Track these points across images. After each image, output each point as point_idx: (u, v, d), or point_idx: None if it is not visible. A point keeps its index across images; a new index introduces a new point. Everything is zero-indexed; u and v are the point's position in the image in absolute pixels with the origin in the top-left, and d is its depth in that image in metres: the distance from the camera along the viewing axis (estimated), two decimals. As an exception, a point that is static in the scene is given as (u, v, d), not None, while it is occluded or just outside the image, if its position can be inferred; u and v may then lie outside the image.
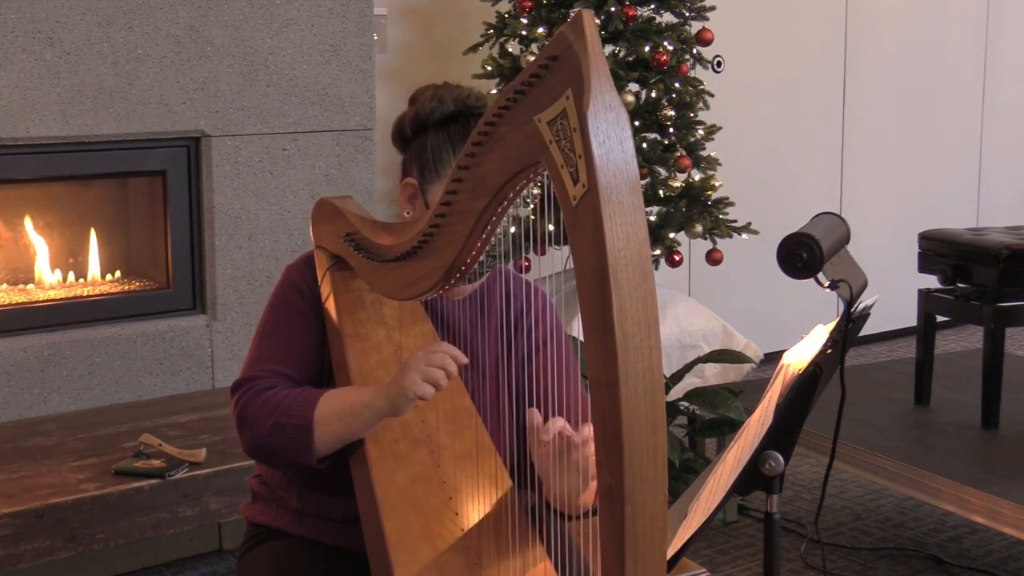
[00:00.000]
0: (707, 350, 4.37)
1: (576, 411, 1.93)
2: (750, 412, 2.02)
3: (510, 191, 1.57)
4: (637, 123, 4.23)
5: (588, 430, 1.74)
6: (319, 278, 1.99)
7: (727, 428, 3.61)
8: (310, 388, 1.90)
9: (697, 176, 4.35)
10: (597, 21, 4.14)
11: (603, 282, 1.36)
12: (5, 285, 3.52)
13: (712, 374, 4.47)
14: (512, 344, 2.02)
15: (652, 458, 1.39)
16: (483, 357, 2.00)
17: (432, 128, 1.93)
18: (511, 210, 1.65)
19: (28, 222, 3.55)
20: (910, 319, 4.03)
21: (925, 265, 3.80)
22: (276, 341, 1.96)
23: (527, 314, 2.04)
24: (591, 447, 1.70)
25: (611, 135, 1.38)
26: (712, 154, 4.38)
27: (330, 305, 1.95)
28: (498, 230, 1.67)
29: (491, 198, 1.59)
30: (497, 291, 2.03)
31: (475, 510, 1.80)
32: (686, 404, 3.67)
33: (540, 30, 4.16)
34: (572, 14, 4.15)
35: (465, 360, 1.78)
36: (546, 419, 1.78)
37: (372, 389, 1.81)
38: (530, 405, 1.90)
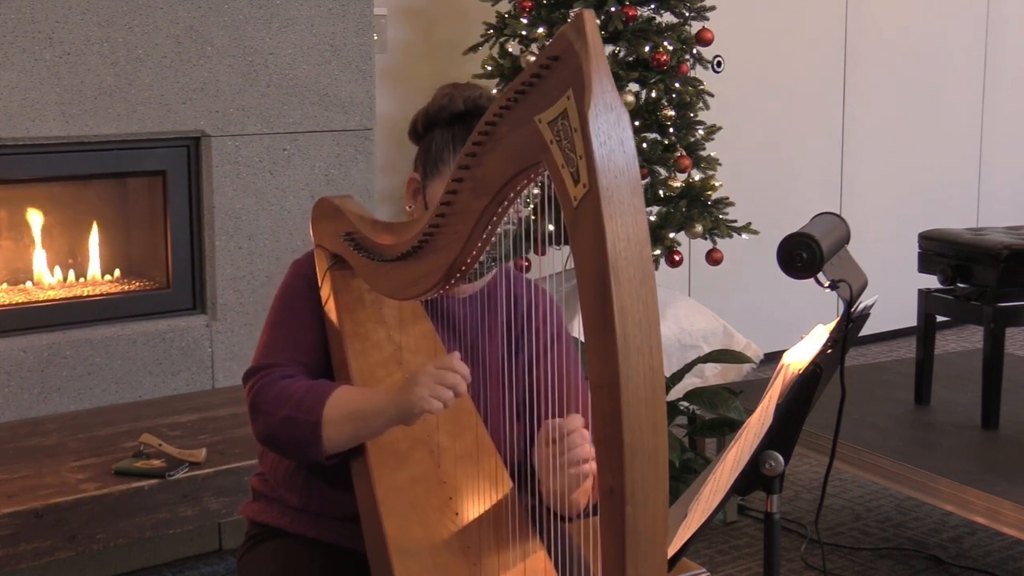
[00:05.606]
0: (707, 350, 4.37)
1: (580, 413, 1.92)
2: (750, 412, 2.02)
3: (510, 191, 1.57)
4: (637, 123, 4.23)
5: (576, 423, 1.76)
6: (319, 278, 1.99)
7: (727, 428, 3.61)
8: (324, 381, 1.89)
9: (697, 176, 4.35)
10: (597, 21, 4.14)
11: (604, 282, 1.35)
12: (5, 285, 3.51)
13: (712, 374, 4.47)
14: (517, 345, 2.02)
15: (653, 459, 1.38)
16: (487, 356, 2.00)
17: (440, 125, 1.95)
18: (512, 211, 1.65)
19: (28, 222, 3.55)
20: (910, 319, 4.03)
21: (925, 265, 3.79)
22: (288, 330, 1.97)
23: (531, 314, 2.04)
24: (581, 440, 1.74)
25: (612, 135, 1.37)
26: (712, 154, 4.39)
27: (330, 305, 1.95)
28: (499, 230, 1.67)
29: (491, 198, 1.59)
30: (501, 290, 2.04)
31: (475, 510, 1.80)
32: (686, 404, 3.67)
33: (540, 30, 4.16)
34: (572, 14, 4.18)
35: (468, 380, 1.76)
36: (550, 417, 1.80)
37: (382, 394, 1.80)
38: (534, 406, 1.92)
